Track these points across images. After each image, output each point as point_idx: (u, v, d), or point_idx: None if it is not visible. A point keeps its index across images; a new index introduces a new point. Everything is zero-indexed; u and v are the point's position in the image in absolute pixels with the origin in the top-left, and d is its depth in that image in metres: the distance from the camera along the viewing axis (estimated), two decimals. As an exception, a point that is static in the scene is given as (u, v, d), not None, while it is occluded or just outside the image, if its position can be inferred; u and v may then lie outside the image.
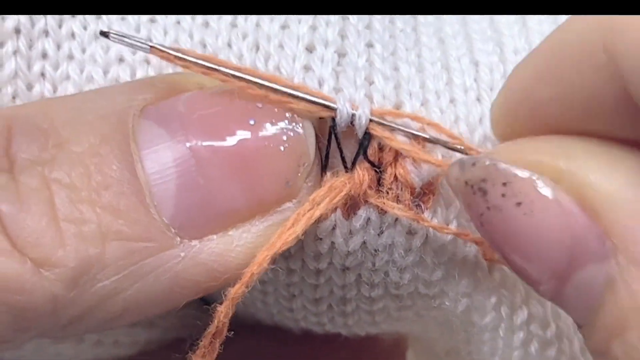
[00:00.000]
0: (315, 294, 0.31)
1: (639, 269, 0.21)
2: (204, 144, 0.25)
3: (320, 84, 0.27)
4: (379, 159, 0.27)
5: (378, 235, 0.28)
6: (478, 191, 0.23)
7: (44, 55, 0.29)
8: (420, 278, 0.29)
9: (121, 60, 0.29)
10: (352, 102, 0.27)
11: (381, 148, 0.27)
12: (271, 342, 0.35)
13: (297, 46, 0.28)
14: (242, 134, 0.25)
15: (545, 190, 0.22)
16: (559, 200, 0.22)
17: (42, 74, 0.29)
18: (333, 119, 0.27)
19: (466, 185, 0.23)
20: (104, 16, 0.29)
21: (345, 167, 0.27)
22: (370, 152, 0.27)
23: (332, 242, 0.28)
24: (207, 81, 0.27)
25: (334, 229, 0.28)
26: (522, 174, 0.22)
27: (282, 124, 0.26)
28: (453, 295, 0.30)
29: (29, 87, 0.29)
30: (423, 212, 0.27)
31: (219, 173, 0.25)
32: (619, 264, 0.21)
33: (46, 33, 0.29)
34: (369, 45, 0.29)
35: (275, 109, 0.26)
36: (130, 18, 0.29)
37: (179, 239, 0.25)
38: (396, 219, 0.27)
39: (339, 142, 0.27)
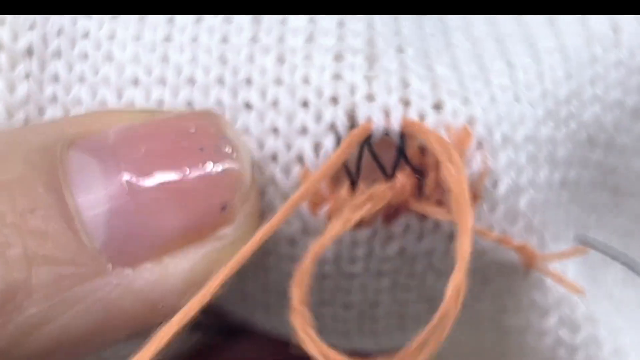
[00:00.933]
0: (347, 299, 0.30)
1: None
2: (135, 171, 0.25)
3: (353, 92, 0.27)
4: (420, 164, 0.26)
5: (418, 241, 0.27)
6: None
7: (56, 78, 0.28)
8: None
9: (136, 82, 0.28)
10: (385, 109, 0.26)
11: (422, 151, 0.26)
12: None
13: (324, 56, 0.27)
14: (174, 160, 0.25)
15: None
16: None
17: (54, 98, 0.28)
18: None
19: None
20: (118, 36, 0.28)
21: (385, 175, 0.26)
22: (410, 155, 0.26)
23: (371, 248, 0.27)
24: (140, 115, 0.26)
25: (374, 234, 0.27)
26: None
27: (214, 148, 0.25)
28: (486, 297, 0.30)
29: (40, 112, 0.28)
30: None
31: (150, 199, 0.25)
32: None
33: (59, 54, 0.28)
34: (400, 50, 0.28)
35: (209, 132, 0.25)
36: (145, 36, 0.28)
37: (110, 265, 0.24)
38: (437, 225, 0.27)
39: (376, 155, 0.26)
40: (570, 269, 0.30)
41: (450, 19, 0.31)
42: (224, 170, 0.25)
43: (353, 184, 0.26)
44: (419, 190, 0.26)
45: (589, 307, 0.30)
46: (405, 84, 0.27)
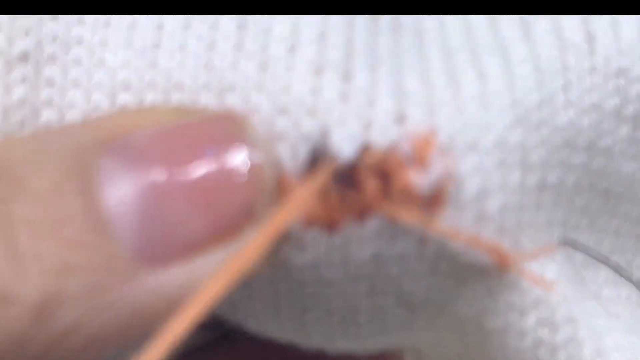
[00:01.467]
0: (327, 305, 0.30)
1: None
2: (164, 176, 0.25)
3: (328, 110, 0.27)
4: (384, 169, 0.27)
5: (389, 245, 0.28)
6: None
7: (51, 82, 0.29)
8: (434, 286, 0.29)
9: (128, 87, 0.29)
10: (353, 137, 0.27)
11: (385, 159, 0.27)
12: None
13: (305, 69, 0.28)
14: (202, 165, 0.26)
15: None
16: None
17: (49, 102, 0.29)
18: None
19: None
20: (110, 42, 0.29)
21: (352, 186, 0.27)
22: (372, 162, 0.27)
23: (344, 252, 0.28)
24: (168, 115, 0.27)
25: (347, 238, 0.27)
26: None
27: (242, 153, 0.26)
28: (466, 300, 0.30)
29: (36, 114, 0.29)
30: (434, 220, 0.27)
31: (179, 204, 0.25)
32: None
33: (54, 59, 0.29)
34: (373, 68, 0.29)
35: (235, 136, 0.26)
36: (136, 42, 0.29)
37: (141, 270, 0.25)
38: (408, 228, 0.27)
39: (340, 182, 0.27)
40: (550, 269, 0.31)
41: (426, 31, 0.31)
42: (249, 173, 0.26)
43: None
44: (386, 194, 0.27)
45: (569, 307, 0.31)
46: (371, 104, 0.27)
